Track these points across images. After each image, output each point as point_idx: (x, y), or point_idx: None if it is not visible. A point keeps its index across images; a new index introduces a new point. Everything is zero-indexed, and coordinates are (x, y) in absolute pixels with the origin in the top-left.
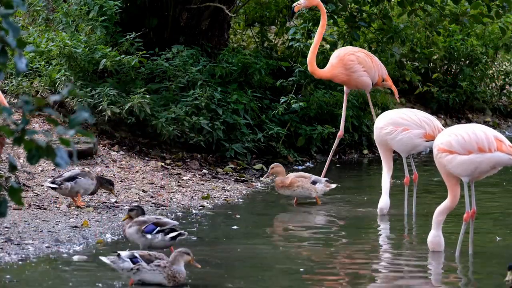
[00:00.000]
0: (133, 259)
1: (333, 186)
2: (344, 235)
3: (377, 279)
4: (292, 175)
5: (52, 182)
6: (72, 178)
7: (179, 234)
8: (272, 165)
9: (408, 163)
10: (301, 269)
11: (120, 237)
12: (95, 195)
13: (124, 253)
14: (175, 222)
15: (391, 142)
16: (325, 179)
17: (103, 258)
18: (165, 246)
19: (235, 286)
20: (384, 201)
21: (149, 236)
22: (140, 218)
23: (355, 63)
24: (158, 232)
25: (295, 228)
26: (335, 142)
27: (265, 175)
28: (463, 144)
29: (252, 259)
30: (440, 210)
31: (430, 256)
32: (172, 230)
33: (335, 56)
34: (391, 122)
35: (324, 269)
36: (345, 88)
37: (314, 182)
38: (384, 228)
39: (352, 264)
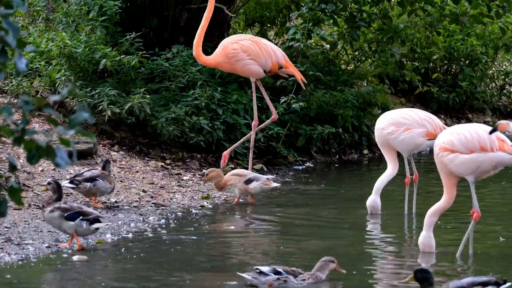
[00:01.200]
0: (275, 273)
1: (274, 185)
2: (344, 235)
3: (377, 279)
4: (228, 174)
5: (71, 182)
6: (91, 180)
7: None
8: (207, 171)
9: (408, 163)
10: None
11: (120, 237)
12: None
13: (265, 268)
14: (98, 213)
15: (393, 142)
16: (267, 176)
17: (243, 275)
18: (87, 235)
19: (234, 285)
20: (371, 200)
21: (71, 223)
22: (63, 205)
23: (239, 52)
24: (82, 220)
25: (295, 228)
26: (252, 132)
27: (203, 182)
28: (465, 143)
29: (252, 259)
30: (433, 211)
31: (431, 256)
32: (97, 220)
33: (220, 44)
34: (392, 122)
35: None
36: (250, 77)
37: (249, 181)
38: (384, 228)
39: (352, 263)
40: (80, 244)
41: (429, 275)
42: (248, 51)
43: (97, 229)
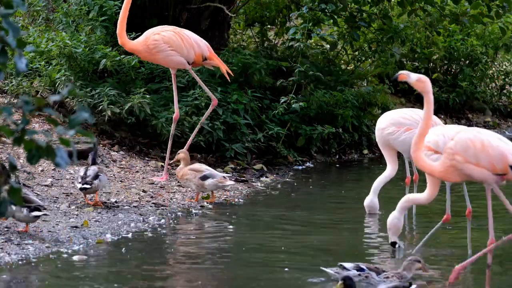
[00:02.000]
0: (358, 269)
1: (229, 183)
2: (344, 234)
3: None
4: (187, 168)
5: (85, 183)
6: (96, 176)
7: (43, 214)
8: (179, 151)
9: (409, 163)
10: (300, 268)
11: (120, 237)
12: (94, 195)
13: (348, 264)
14: (40, 202)
15: (394, 142)
16: (223, 174)
17: (327, 269)
18: (26, 221)
19: (234, 285)
20: (369, 200)
21: (13, 207)
22: None
23: (160, 43)
24: (23, 206)
25: (295, 228)
26: (173, 126)
27: (173, 160)
28: None
29: (252, 259)
30: (411, 199)
31: (429, 256)
32: (37, 208)
33: (144, 33)
34: (393, 122)
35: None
36: (171, 69)
37: (205, 177)
38: (384, 228)
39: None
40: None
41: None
42: (169, 42)
43: (36, 217)
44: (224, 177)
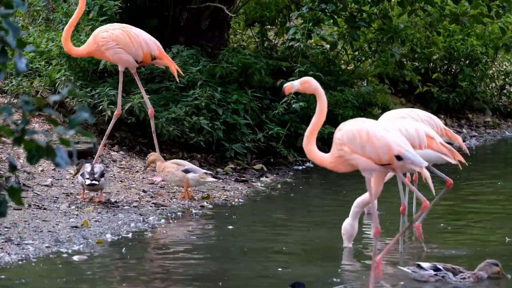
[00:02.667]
0: (435, 269)
1: (210, 179)
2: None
3: (378, 279)
4: (168, 162)
5: (94, 180)
6: (102, 174)
7: None
8: (148, 155)
9: None
10: (300, 268)
11: (120, 237)
12: (94, 195)
13: (425, 264)
14: None
15: None
16: (204, 171)
17: (403, 268)
18: None
19: (234, 285)
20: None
21: None
22: None
23: (108, 40)
24: None
25: (295, 228)
26: (112, 121)
27: (146, 165)
28: None
29: (252, 259)
30: (360, 202)
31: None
32: None
33: (92, 33)
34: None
35: (320, 270)
36: (119, 66)
37: (186, 171)
38: (383, 228)
39: (351, 262)
40: None
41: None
42: (117, 40)
43: None
44: (205, 173)
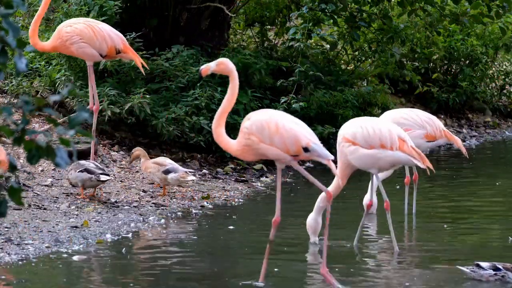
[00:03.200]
0: (494, 269)
1: (190, 178)
2: (343, 234)
3: (378, 278)
4: (151, 161)
5: (105, 175)
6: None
7: None
8: (133, 150)
9: None
10: (297, 268)
11: (120, 237)
12: (94, 195)
13: (484, 264)
14: None
15: None
16: (185, 170)
17: (462, 268)
18: None
19: (233, 285)
20: (368, 198)
21: None
22: None
23: (72, 35)
24: None
25: (295, 228)
26: (94, 116)
27: (130, 160)
28: (367, 138)
29: (252, 259)
30: (323, 197)
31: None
32: None
33: (57, 28)
34: (392, 122)
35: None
36: (87, 61)
37: (167, 171)
38: (383, 227)
39: (351, 262)
40: None
41: None
42: (81, 34)
43: None
44: (186, 172)
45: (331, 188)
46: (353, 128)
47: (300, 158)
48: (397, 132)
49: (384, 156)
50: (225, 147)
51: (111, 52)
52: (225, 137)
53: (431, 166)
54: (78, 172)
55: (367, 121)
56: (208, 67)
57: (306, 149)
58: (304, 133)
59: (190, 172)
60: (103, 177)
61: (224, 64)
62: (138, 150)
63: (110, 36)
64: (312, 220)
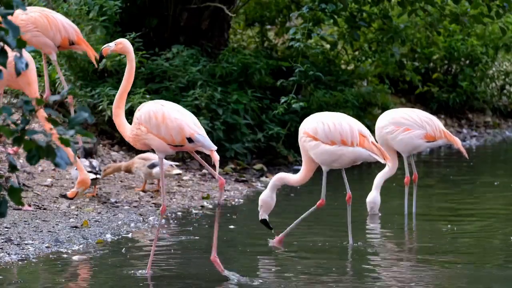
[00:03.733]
0: None
1: (175, 171)
2: (344, 234)
3: (378, 278)
4: (136, 157)
5: (94, 173)
6: (100, 168)
7: None
8: (103, 168)
9: (408, 163)
10: (298, 268)
11: (120, 237)
12: (94, 195)
13: None
14: None
15: (392, 141)
16: (170, 163)
17: None
18: None
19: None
20: (372, 196)
21: None
22: None
23: (27, 23)
24: None
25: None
26: (70, 108)
27: (103, 175)
28: (328, 134)
29: (253, 259)
30: (282, 177)
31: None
32: None
33: (14, 15)
34: (392, 121)
35: (321, 269)
36: (42, 50)
37: (153, 166)
38: (384, 227)
39: (351, 262)
40: None
41: None
42: (35, 23)
43: None
44: (171, 165)
45: (295, 176)
46: (314, 123)
47: (185, 148)
48: (358, 128)
49: (345, 152)
50: (120, 129)
51: (65, 42)
52: (122, 119)
53: (391, 161)
54: (75, 170)
55: (328, 117)
56: (108, 47)
57: (190, 140)
58: (189, 124)
59: (175, 165)
60: (91, 175)
61: (123, 44)
62: (108, 168)
63: (64, 26)
64: (268, 197)
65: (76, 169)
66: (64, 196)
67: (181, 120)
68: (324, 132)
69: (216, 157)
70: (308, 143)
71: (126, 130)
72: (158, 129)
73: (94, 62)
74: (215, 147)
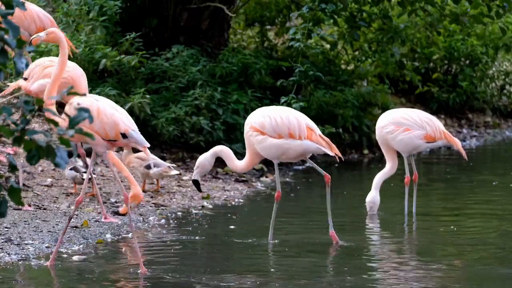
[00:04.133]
0: None
1: (173, 172)
2: (344, 234)
3: (378, 278)
4: (133, 155)
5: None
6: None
7: None
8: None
9: (408, 163)
10: (299, 268)
11: (120, 237)
12: (94, 195)
13: None
14: None
15: (392, 141)
16: (168, 164)
17: None
18: None
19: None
20: (372, 196)
21: None
22: None
23: None
24: None
25: (295, 228)
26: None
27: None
28: (275, 127)
29: (253, 259)
30: (226, 154)
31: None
32: None
33: None
34: (392, 121)
35: (322, 269)
36: None
37: (149, 166)
38: (384, 227)
39: (351, 262)
40: None
41: None
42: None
43: None
44: (169, 167)
45: (236, 162)
46: (261, 118)
47: (119, 144)
48: (305, 121)
49: (292, 145)
50: (51, 118)
51: (40, 31)
52: (54, 110)
53: (339, 154)
54: (69, 170)
55: (275, 111)
56: (39, 37)
57: (124, 135)
58: (123, 120)
59: (173, 166)
60: (85, 175)
61: (54, 33)
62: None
63: (39, 16)
64: (206, 160)
65: (71, 169)
66: (116, 213)
67: (116, 116)
68: (272, 126)
69: (148, 153)
70: (255, 137)
71: (58, 120)
72: (93, 124)
73: (70, 53)
74: (148, 144)
